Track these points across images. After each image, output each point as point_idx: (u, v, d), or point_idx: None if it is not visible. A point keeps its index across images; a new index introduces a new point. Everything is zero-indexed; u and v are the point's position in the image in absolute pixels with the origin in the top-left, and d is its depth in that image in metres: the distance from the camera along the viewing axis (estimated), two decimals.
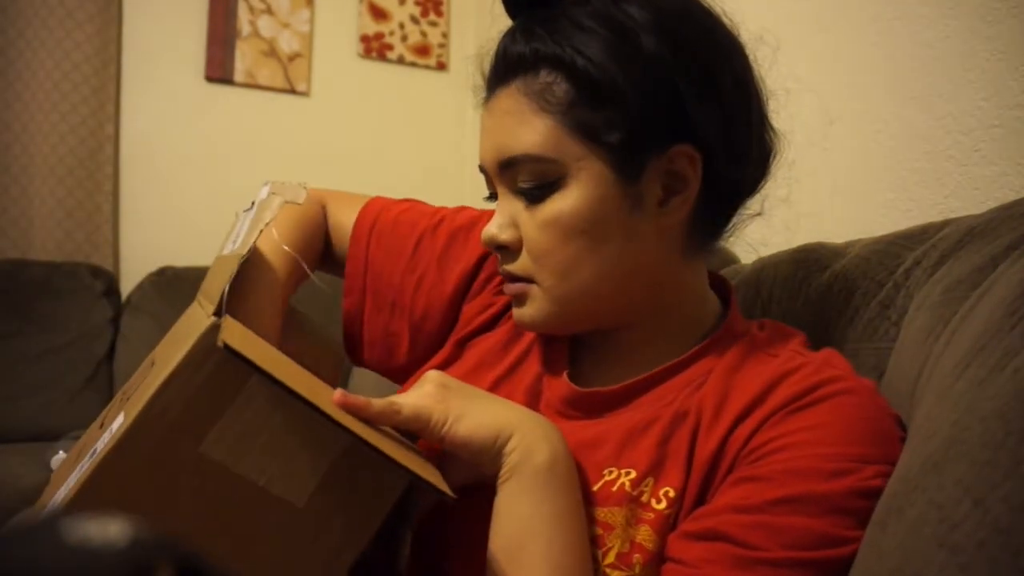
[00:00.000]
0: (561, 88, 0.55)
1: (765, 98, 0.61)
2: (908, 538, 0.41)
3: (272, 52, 2.51)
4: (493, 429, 0.52)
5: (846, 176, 1.08)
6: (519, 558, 0.50)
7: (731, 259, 1.03)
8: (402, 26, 2.71)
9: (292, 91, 2.54)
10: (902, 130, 0.98)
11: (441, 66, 2.75)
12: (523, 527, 0.51)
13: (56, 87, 2.18)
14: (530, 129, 0.55)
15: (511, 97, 0.57)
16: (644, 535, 0.53)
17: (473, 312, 0.71)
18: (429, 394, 0.53)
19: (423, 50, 2.73)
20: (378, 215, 0.76)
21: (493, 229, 0.59)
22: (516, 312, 0.61)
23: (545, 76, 0.56)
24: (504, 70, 0.58)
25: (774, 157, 0.62)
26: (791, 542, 0.47)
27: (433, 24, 2.75)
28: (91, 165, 2.23)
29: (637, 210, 0.56)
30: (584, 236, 0.56)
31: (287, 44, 2.53)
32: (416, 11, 2.72)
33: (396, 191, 0.86)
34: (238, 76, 2.46)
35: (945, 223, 0.67)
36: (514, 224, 0.59)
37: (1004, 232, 0.56)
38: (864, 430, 0.50)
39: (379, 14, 2.67)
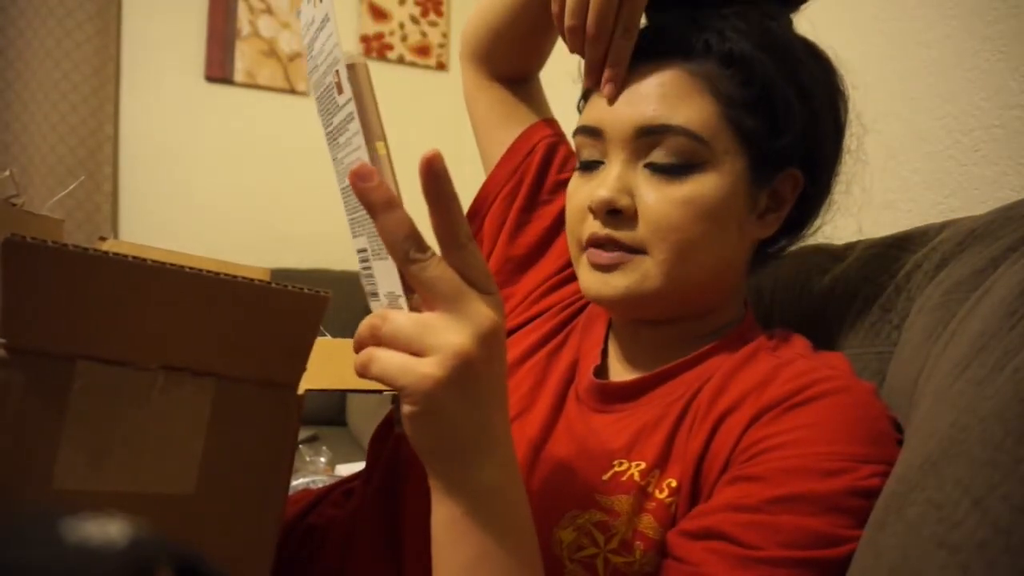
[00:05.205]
0: (732, 84, 0.57)
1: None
2: (907, 538, 0.41)
3: (272, 52, 2.51)
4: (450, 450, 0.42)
5: (845, 177, 1.08)
6: None
7: None
8: (402, 26, 2.71)
9: (292, 91, 2.54)
10: (902, 130, 0.98)
11: (441, 66, 2.75)
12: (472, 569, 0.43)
13: (56, 87, 2.18)
14: (694, 107, 0.56)
15: (672, 72, 0.57)
16: (647, 523, 0.54)
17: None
18: (427, 370, 0.39)
19: (423, 50, 2.73)
20: None
21: (608, 193, 0.56)
22: (602, 281, 0.58)
23: (716, 67, 0.57)
24: (662, 46, 0.58)
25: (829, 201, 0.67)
26: (789, 541, 0.47)
27: (433, 24, 2.75)
28: (91, 165, 2.23)
29: (750, 213, 0.60)
30: (713, 222, 0.57)
31: (287, 44, 2.53)
32: (416, 11, 2.72)
33: None
34: (238, 76, 2.46)
35: (945, 225, 0.66)
36: (628, 192, 0.58)
37: (1004, 234, 0.56)
38: (860, 429, 0.50)
39: (379, 14, 2.67)
